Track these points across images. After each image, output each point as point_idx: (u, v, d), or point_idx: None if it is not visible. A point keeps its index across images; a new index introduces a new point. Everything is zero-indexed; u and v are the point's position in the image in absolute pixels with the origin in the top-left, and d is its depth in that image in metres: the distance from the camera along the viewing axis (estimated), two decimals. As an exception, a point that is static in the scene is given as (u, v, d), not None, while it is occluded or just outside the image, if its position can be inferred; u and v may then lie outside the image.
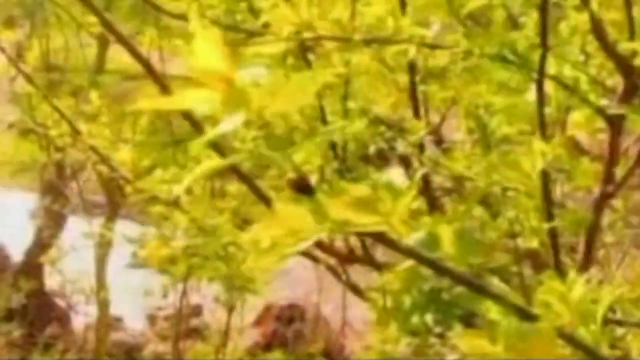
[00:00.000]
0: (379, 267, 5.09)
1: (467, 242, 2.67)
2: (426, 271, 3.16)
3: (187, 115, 4.64)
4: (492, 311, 2.64)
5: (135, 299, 17.80)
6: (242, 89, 2.08)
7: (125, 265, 18.45)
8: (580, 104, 4.42)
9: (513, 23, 4.55)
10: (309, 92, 2.11)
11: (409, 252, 2.31)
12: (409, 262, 3.04)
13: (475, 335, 2.87)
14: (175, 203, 6.73)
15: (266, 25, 5.82)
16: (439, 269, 2.37)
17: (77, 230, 18.32)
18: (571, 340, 2.30)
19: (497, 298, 2.49)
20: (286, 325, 16.52)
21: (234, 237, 6.41)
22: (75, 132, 7.00)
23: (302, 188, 2.18)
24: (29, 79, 7.44)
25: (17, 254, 18.34)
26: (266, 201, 3.65)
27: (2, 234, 18.39)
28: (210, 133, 2.18)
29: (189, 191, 6.97)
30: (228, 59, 2.15)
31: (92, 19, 16.04)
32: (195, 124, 5.26)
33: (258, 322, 16.78)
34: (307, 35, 4.45)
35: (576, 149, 5.27)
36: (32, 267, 17.57)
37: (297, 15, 4.65)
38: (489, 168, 4.29)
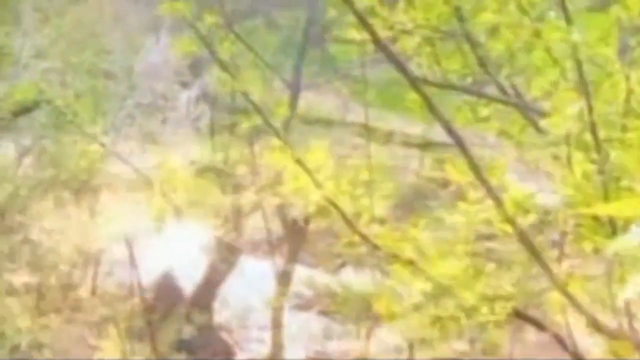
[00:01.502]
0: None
1: None
2: None
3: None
4: None
5: (296, 340, 18.09)
6: None
7: (289, 306, 18.83)
8: None
9: None
10: None
11: None
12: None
13: None
14: (410, 262, 6.90)
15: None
16: None
17: (248, 267, 18.80)
18: None
19: None
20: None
21: (470, 296, 6.52)
22: (316, 184, 7.23)
23: None
24: (275, 131, 7.71)
25: (188, 286, 18.90)
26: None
27: (175, 266, 18.99)
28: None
29: (421, 251, 7.15)
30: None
31: (285, 63, 16.38)
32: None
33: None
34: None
35: None
36: (203, 300, 18.08)
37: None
38: None
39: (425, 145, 17.00)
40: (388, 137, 16.82)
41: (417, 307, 6.93)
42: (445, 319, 6.70)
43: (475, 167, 4.56)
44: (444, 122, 4.16)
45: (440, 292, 6.69)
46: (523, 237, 5.12)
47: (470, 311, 6.48)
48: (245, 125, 7.64)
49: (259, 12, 19.45)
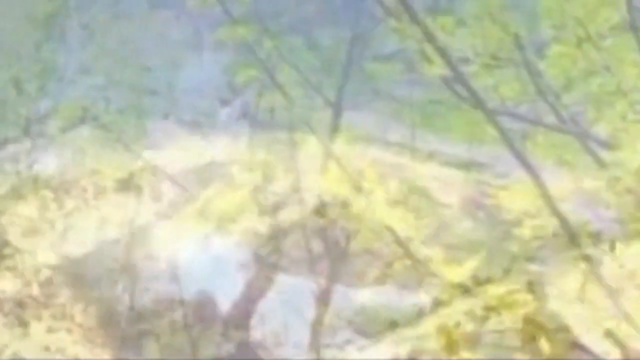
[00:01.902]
0: None
1: None
2: None
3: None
4: None
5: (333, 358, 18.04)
6: None
7: (327, 324, 18.76)
8: None
9: None
10: None
11: None
12: None
13: None
14: (461, 286, 6.92)
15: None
16: None
17: (285, 285, 18.76)
18: None
19: None
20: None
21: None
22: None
23: None
24: (331, 155, 7.74)
25: (224, 303, 18.87)
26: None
27: (213, 283, 18.99)
28: None
29: (479, 278, 7.15)
30: None
31: (324, 82, 16.48)
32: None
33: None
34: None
35: None
36: (240, 317, 18.05)
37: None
38: None
39: (466, 165, 16.99)
40: (429, 157, 16.82)
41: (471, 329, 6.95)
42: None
43: (547, 196, 4.57)
44: (517, 152, 4.20)
45: (490, 314, 6.71)
46: (593, 269, 5.12)
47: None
48: (306, 151, 7.68)
49: (300, 30, 19.56)
